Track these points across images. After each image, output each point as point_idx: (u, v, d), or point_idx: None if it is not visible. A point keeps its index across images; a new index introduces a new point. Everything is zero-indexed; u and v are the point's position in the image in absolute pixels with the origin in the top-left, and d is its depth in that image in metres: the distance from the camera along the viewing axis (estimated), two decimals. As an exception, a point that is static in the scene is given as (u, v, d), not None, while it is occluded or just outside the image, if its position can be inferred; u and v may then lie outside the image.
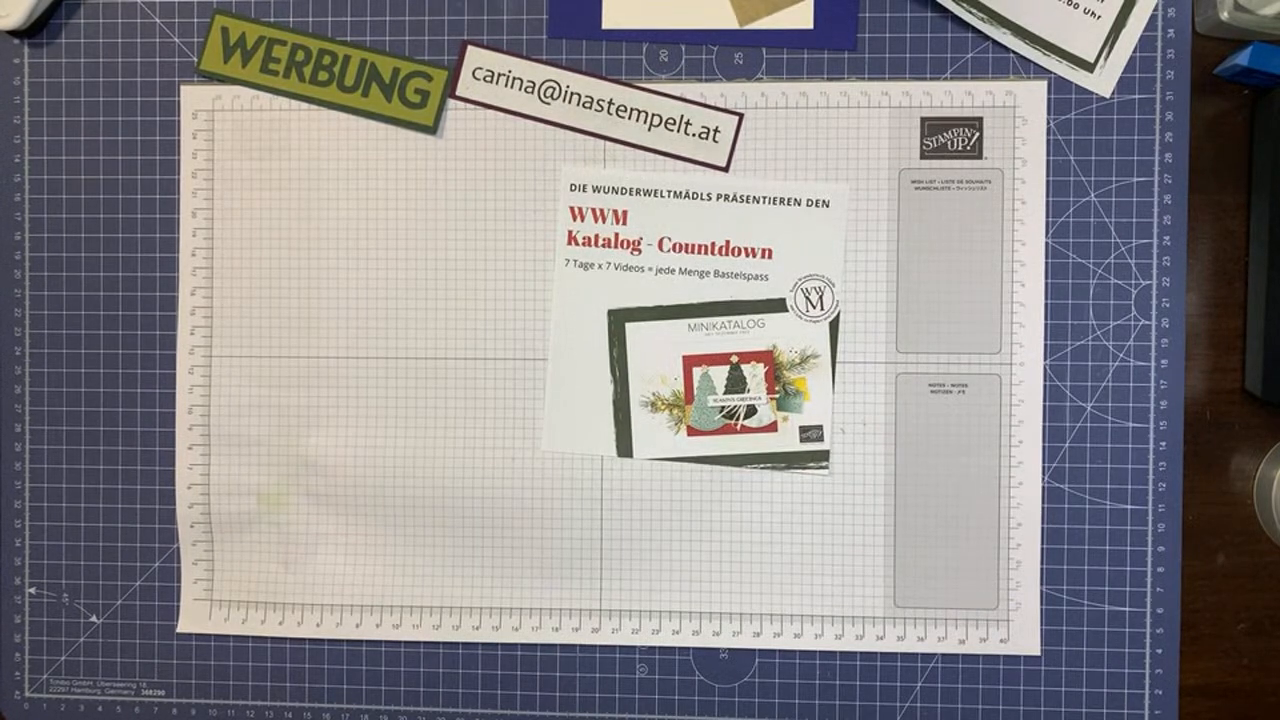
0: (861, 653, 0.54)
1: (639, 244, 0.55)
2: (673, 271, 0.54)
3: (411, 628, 0.55)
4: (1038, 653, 0.54)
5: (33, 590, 0.57)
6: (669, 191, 0.54)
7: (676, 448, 0.54)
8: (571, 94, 0.55)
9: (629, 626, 0.55)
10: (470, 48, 0.55)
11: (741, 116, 0.54)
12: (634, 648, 0.55)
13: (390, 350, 0.55)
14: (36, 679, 0.57)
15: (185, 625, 0.56)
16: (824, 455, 0.54)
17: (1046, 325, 0.53)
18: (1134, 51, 0.53)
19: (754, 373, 0.54)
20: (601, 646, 0.55)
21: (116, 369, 0.56)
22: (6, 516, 0.57)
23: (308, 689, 0.56)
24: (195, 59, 0.56)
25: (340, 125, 0.55)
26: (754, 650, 0.55)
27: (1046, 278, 0.53)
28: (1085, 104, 0.53)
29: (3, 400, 0.57)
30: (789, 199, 0.54)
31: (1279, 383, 0.51)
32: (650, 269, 0.54)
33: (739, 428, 0.54)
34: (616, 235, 0.55)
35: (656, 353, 0.54)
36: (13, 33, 0.56)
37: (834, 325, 0.54)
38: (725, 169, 0.54)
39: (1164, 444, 0.53)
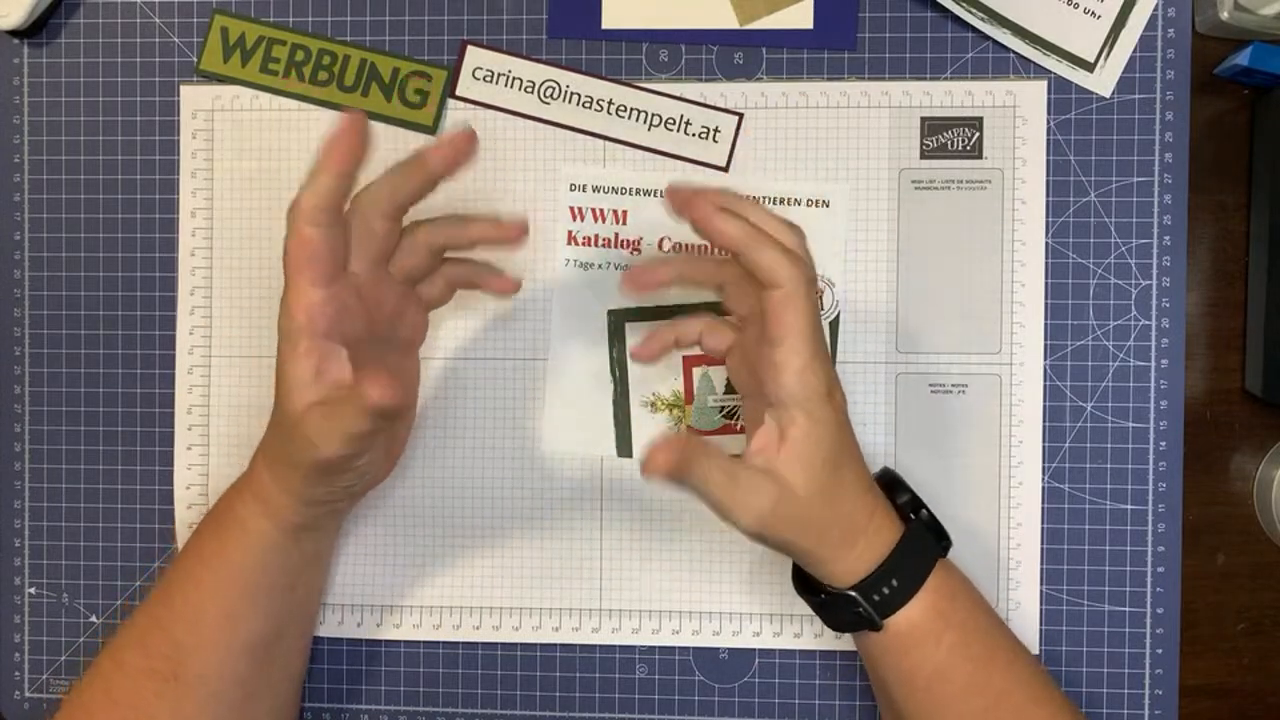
0: (861, 653, 0.54)
1: (639, 244, 0.55)
2: (673, 271, 0.54)
3: (411, 627, 0.55)
4: (1037, 652, 0.54)
5: (32, 590, 0.57)
6: (669, 191, 0.54)
7: (676, 448, 0.54)
8: (571, 94, 0.55)
9: (629, 626, 0.55)
10: (470, 48, 0.55)
11: (741, 116, 0.54)
12: (634, 648, 0.55)
13: (390, 350, 0.55)
14: (36, 679, 0.57)
15: (185, 625, 0.56)
16: (824, 455, 0.54)
17: (1046, 325, 0.53)
18: (1134, 51, 0.53)
19: (754, 373, 0.54)
20: (601, 646, 0.55)
21: (116, 369, 0.56)
22: (6, 516, 0.57)
23: (307, 689, 0.56)
24: (195, 59, 0.56)
25: (340, 125, 0.55)
26: (754, 650, 0.55)
27: (1046, 278, 0.53)
28: (1085, 104, 0.53)
29: (3, 400, 0.57)
30: (789, 199, 0.54)
31: (1279, 383, 0.51)
32: (650, 269, 0.54)
33: (739, 428, 0.54)
34: (616, 235, 0.55)
35: (656, 353, 0.54)
36: (13, 33, 0.56)
37: (834, 325, 0.54)
38: (725, 169, 0.54)
39: (1164, 444, 0.53)
